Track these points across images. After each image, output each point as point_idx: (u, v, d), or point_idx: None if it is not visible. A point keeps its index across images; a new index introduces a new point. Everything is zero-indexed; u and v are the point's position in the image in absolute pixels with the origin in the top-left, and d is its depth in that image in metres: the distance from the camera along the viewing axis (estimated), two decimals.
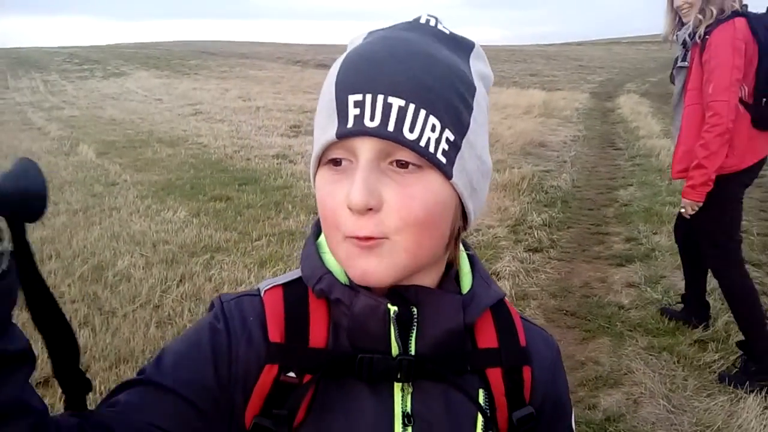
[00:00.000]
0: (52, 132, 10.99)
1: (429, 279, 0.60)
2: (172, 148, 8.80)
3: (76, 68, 29.56)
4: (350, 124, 0.51)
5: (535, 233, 4.69)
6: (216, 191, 6.09)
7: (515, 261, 4.11)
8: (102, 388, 2.68)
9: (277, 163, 7.54)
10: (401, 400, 0.57)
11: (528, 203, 5.61)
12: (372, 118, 0.50)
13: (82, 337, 3.12)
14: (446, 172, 0.53)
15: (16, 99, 18.10)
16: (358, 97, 0.51)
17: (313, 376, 0.56)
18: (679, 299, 3.37)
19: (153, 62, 32.13)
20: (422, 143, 0.51)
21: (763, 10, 2.64)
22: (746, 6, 2.63)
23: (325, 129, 0.53)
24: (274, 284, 0.62)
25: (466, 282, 0.63)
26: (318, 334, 0.58)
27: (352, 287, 0.57)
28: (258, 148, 8.57)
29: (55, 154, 8.65)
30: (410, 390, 0.58)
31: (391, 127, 0.50)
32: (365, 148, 0.52)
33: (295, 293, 0.61)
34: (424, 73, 0.52)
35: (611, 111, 13.51)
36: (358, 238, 0.53)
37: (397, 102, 0.50)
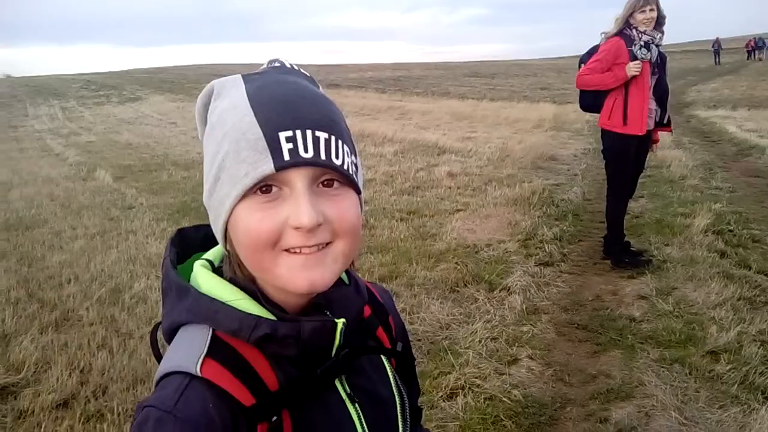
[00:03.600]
0: (70, 158, 11.23)
1: None
2: (187, 171, 8.95)
3: (92, 94, 30.18)
4: (287, 157, 0.58)
5: (546, 247, 4.69)
6: None
7: (526, 275, 4.12)
8: (119, 409, 2.75)
9: None
10: (342, 388, 0.69)
11: (539, 217, 5.62)
12: (306, 150, 0.59)
13: (100, 359, 3.19)
14: (357, 188, 0.65)
15: (35, 126, 18.51)
16: (289, 133, 0.59)
17: (289, 411, 0.63)
18: (689, 308, 3.46)
19: (168, 86, 32.71)
20: (345, 167, 0.62)
21: None
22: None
23: (256, 164, 0.58)
24: (200, 357, 0.61)
25: (342, 274, 0.74)
26: (268, 378, 0.62)
27: (283, 318, 0.62)
28: None
29: (73, 180, 8.84)
30: (344, 376, 0.69)
31: (323, 156, 0.59)
32: (301, 176, 0.59)
33: (224, 354, 0.61)
34: (328, 110, 0.63)
35: None
36: (308, 246, 0.60)
37: (322, 135, 0.60)
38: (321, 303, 0.67)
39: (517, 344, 3.19)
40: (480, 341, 3.20)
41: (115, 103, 25.80)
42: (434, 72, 42.23)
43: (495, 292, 3.88)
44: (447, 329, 3.42)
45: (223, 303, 0.62)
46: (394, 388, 0.76)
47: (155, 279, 4.36)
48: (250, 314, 0.61)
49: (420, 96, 24.52)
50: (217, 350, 0.61)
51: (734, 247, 4.52)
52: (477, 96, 23.05)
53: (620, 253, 4.33)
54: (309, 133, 0.59)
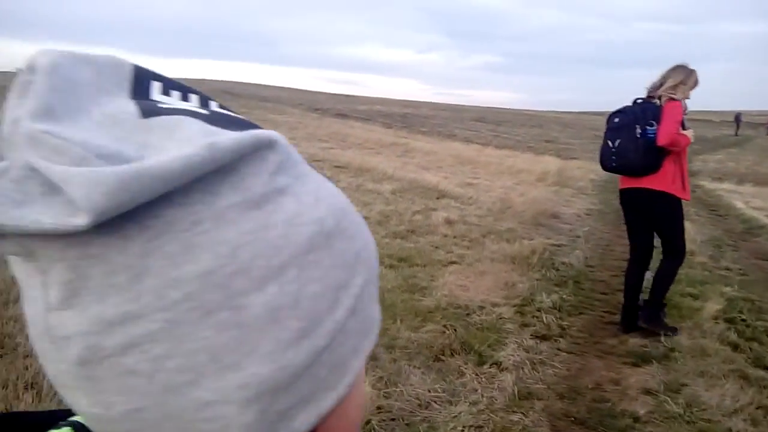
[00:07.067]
0: None
1: None
2: None
3: None
4: None
5: (544, 317, 4.31)
6: None
7: (520, 350, 3.72)
8: None
9: None
10: None
11: (537, 280, 5.25)
12: None
13: (24, 401, 2.75)
14: None
15: None
16: None
17: None
18: (702, 413, 3.06)
19: None
20: None
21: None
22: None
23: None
24: None
25: None
26: None
27: None
28: None
29: None
30: None
31: None
32: None
33: None
34: None
35: None
36: None
37: None
38: None
39: None
40: (463, 429, 2.78)
41: None
42: (442, 113, 42.42)
43: (485, 367, 3.47)
44: (426, 408, 3.00)
45: None
46: None
47: None
48: None
49: (425, 135, 24.40)
50: None
51: (747, 341, 4.13)
52: (482, 141, 22.95)
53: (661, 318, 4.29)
54: None
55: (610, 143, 4.05)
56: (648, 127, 3.89)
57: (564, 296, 4.86)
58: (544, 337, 4.01)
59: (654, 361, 3.69)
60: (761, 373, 3.61)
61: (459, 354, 3.62)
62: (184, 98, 0.37)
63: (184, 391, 0.31)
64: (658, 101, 3.95)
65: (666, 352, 3.84)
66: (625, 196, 4.20)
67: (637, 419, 3.04)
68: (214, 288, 0.31)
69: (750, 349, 3.99)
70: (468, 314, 4.31)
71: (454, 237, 6.76)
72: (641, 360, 3.72)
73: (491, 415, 2.95)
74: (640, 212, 4.18)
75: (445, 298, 4.59)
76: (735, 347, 4.00)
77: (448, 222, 7.50)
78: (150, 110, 0.33)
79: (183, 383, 0.31)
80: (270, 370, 0.32)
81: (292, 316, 0.33)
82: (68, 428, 0.43)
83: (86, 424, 0.37)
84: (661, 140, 3.85)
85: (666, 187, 4.01)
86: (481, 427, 2.83)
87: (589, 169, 15.48)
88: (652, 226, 4.22)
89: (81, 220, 0.28)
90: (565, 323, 4.32)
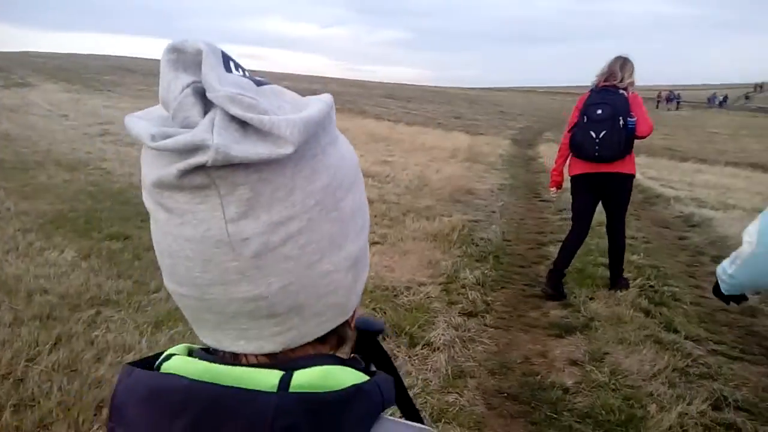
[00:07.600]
0: None
1: None
2: (71, 173, 7.91)
3: None
4: None
5: (469, 294, 4.34)
6: (114, 228, 5.35)
7: (450, 328, 3.72)
8: None
9: None
10: None
11: (459, 257, 5.29)
12: None
13: None
14: None
15: None
16: None
17: None
18: (625, 379, 3.19)
19: (63, 74, 30.16)
20: None
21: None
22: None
23: None
24: None
25: None
26: None
27: None
28: None
29: None
30: None
31: None
32: None
33: None
34: None
35: (533, 159, 13.72)
36: None
37: None
38: None
39: (443, 419, 2.75)
40: (401, 416, 2.73)
41: (0, 87, 23.31)
42: (351, 89, 42.13)
43: (417, 349, 3.43)
44: None
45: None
46: None
47: (7, 310, 3.55)
48: None
49: (336, 112, 24.08)
50: None
51: (657, 306, 4.37)
52: (393, 118, 22.99)
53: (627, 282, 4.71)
54: None
55: (593, 134, 4.18)
56: (629, 119, 4.15)
57: (485, 271, 4.93)
58: (471, 314, 4.04)
59: (576, 332, 3.81)
60: (672, 336, 3.82)
61: (390, 337, 3.56)
62: (244, 73, 0.47)
63: (316, 266, 0.48)
64: (624, 92, 4.20)
65: (586, 322, 3.98)
66: (595, 179, 4.35)
67: (566, 390, 3.11)
68: (328, 196, 0.48)
69: (660, 314, 4.21)
70: (396, 295, 4.26)
71: (375, 216, 6.69)
72: (564, 331, 3.84)
73: (427, 397, 2.91)
74: (605, 193, 4.43)
75: (371, 280, 4.51)
76: (647, 313, 4.22)
77: (368, 201, 7.42)
78: (255, 81, 0.47)
79: (315, 261, 0.47)
80: (355, 248, 0.51)
81: (358, 215, 0.52)
82: (178, 352, 0.51)
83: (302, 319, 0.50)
84: (648, 131, 4.22)
85: (632, 170, 4.38)
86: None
87: (496, 145, 15.92)
88: (611, 205, 4.50)
89: (287, 150, 0.43)
90: (489, 298, 4.38)
